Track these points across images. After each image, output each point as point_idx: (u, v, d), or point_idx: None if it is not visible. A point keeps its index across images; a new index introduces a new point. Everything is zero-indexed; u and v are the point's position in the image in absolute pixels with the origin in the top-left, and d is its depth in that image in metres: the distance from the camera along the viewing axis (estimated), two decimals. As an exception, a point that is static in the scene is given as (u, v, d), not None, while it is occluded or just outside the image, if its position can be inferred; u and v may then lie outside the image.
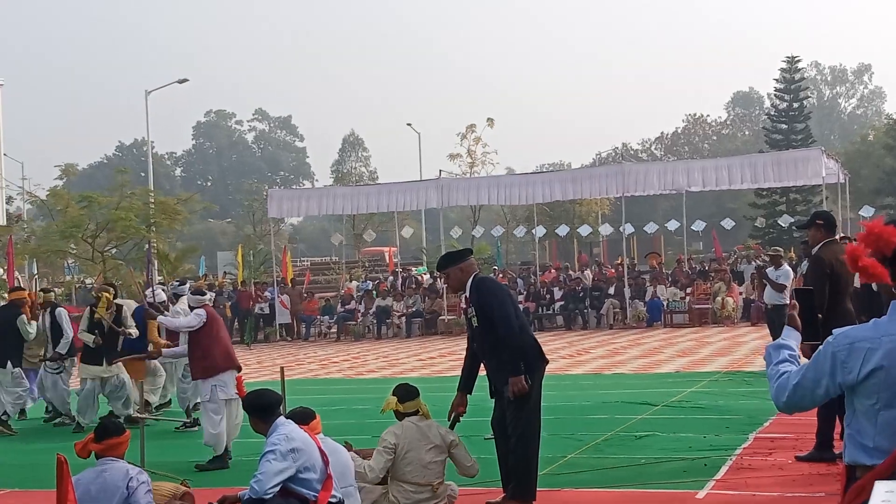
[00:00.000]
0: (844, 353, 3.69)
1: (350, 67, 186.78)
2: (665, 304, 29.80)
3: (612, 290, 30.87)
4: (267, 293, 33.90)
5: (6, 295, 19.66)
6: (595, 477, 9.43)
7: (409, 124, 61.64)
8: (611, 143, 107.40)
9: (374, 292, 33.48)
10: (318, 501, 6.70)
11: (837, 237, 9.98)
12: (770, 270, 17.47)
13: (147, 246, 31.86)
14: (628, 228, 33.78)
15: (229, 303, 33.55)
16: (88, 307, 15.21)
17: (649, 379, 17.40)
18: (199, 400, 14.43)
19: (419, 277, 37.69)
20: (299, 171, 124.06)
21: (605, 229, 40.38)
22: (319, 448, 6.84)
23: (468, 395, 8.60)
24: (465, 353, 8.88)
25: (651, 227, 38.56)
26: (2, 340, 15.05)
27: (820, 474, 8.81)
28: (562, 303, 31.12)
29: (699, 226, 36.77)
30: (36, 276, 40.89)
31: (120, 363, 14.31)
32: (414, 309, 32.01)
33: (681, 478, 9.14)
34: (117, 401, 14.59)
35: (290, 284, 35.45)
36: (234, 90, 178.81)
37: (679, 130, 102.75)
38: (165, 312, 13.90)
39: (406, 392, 7.93)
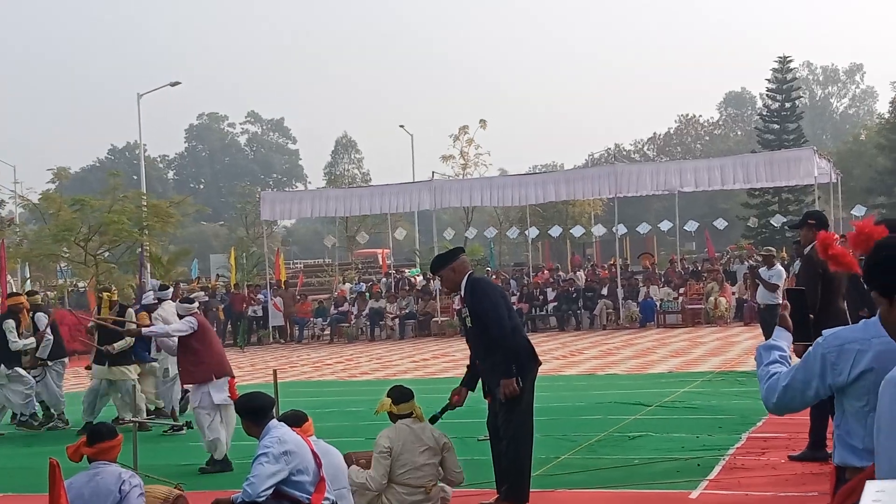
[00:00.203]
0: (834, 355, 3.68)
1: (342, 69, 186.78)
2: (658, 304, 29.84)
3: (605, 291, 30.90)
4: (260, 296, 33.88)
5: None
6: (588, 478, 9.43)
7: (401, 126, 61.61)
8: (603, 143, 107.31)
9: (368, 294, 33.47)
10: (312, 504, 6.70)
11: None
12: (763, 270, 17.48)
13: (140, 249, 31.88)
14: (621, 229, 33.82)
15: (222, 306, 33.54)
16: (95, 308, 15.29)
17: (642, 379, 17.41)
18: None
19: (412, 279, 37.68)
20: (292, 173, 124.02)
21: (598, 230, 40.40)
22: (312, 450, 6.84)
23: (469, 392, 8.60)
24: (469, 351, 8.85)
25: (644, 228, 38.62)
26: None
27: (813, 474, 8.82)
28: (555, 304, 31.13)
29: (692, 226, 36.84)
30: (28, 280, 40.78)
31: (125, 368, 14.26)
32: (407, 311, 32.01)
33: (674, 478, 9.14)
34: (124, 406, 14.47)
35: (283, 287, 35.43)
36: (226, 93, 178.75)
37: (671, 131, 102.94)
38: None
39: (400, 394, 7.92)
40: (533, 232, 37.81)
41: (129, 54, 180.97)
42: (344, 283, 38.05)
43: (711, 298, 28.94)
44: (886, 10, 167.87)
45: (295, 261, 65.13)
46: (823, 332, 3.79)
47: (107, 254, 33.53)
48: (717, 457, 9.92)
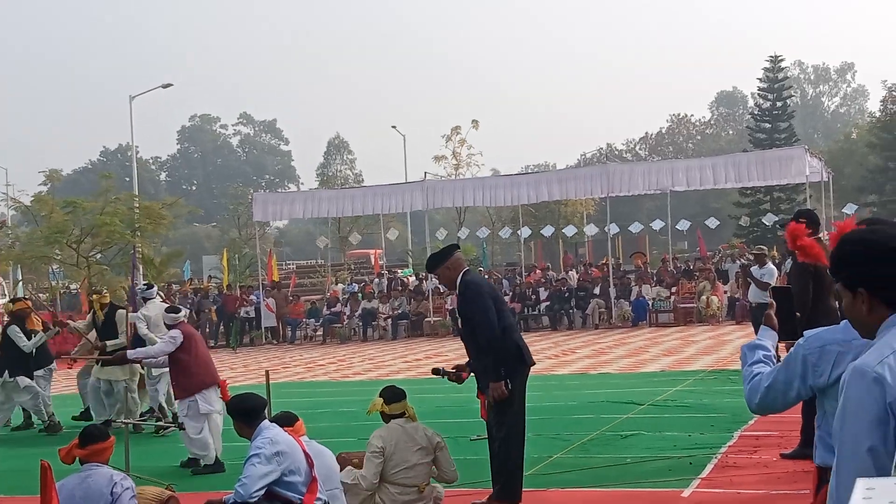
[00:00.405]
0: (815, 357, 3.69)
1: (334, 70, 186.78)
2: (650, 303, 29.86)
3: (597, 290, 30.91)
4: (252, 297, 33.84)
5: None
6: (581, 476, 9.44)
7: (393, 127, 61.68)
8: (595, 143, 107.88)
9: (360, 295, 33.45)
10: (304, 504, 6.70)
11: (821, 235, 10.01)
12: (754, 269, 17.51)
13: (132, 251, 31.83)
14: (613, 228, 33.83)
15: (215, 307, 33.50)
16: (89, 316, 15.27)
17: (635, 378, 17.42)
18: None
19: (405, 279, 37.68)
20: (284, 174, 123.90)
21: (591, 229, 40.41)
22: (304, 451, 6.84)
23: (469, 373, 8.63)
24: None
25: (636, 227, 38.65)
26: (4, 351, 15.07)
27: (805, 471, 8.82)
28: (547, 303, 31.13)
29: (684, 225, 36.85)
30: (21, 283, 40.71)
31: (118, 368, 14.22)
32: (400, 311, 32.00)
33: (666, 476, 9.15)
34: (112, 406, 14.45)
35: (275, 288, 35.38)
36: (218, 94, 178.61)
37: (663, 130, 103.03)
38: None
39: (393, 394, 7.92)
40: (525, 232, 37.83)
41: (121, 56, 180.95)
42: (336, 284, 38.02)
43: (703, 297, 28.97)
44: (877, 10, 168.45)
45: (287, 262, 65.13)
46: (805, 332, 3.80)
47: (99, 256, 33.50)
48: (710, 455, 9.93)
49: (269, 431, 6.79)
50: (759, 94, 62.54)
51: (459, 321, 8.47)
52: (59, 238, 32.25)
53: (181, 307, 12.74)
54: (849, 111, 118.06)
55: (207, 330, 32.94)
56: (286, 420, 7.25)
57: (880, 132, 59.50)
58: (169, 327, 11.91)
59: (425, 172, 48.96)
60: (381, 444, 7.66)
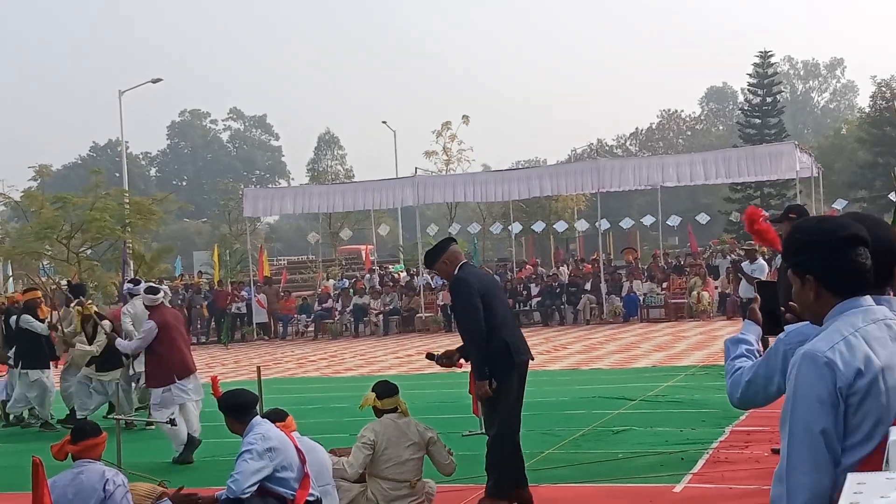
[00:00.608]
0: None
1: (325, 66, 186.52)
2: (641, 299, 29.91)
3: (588, 286, 30.95)
4: (243, 292, 33.80)
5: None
6: (573, 472, 9.46)
7: (384, 122, 61.63)
8: (586, 139, 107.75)
9: (351, 290, 33.44)
10: (296, 500, 6.70)
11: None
12: (745, 264, 17.56)
13: (122, 246, 31.77)
14: (604, 224, 33.84)
15: (206, 302, 33.45)
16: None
17: (626, 374, 17.46)
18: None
19: (396, 275, 37.67)
20: (275, 169, 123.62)
21: (581, 225, 40.45)
22: (296, 447, 6.84)
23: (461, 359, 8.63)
24: None
25: (627, 223, 38.65)
26: (18, 343, 15.09)
27: (796, 466, 8.85)
28: (539, 299, 31.16)
29: (674, 221, 36.88)
30: (11, 278, 40.60)
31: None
32: (391, 307, 32.00)
33: (658, 472, 9.17)
34: (98, 400, 14.49)
35: (266, 283, 35.33)
36: (208, 89, 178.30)
37: (653, 126, 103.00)
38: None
39: (385, 389, 7.92)
40: (516, 227, 37.81)
41: (110, 51, 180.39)
42: (328, 280, 37.97)
43: (694, 293, 29.03)
44: (866, 5, 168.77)
45: (278, 257, 65.01)
46: (786, 327, 3.81)
47: (89, 251, 33.45)
48: (701, 450, 9.96)
49: (261, 427, 6.79)
50: (748, 90, 62.57)
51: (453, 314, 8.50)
52: (49, 234, 32.21)
53: (160, 288, 12.72)
54: (838, 107, 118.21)
55: (199, 326, 32.92)
56: (276, 416, 7.25)
57: (870, 128, 59.61)
58: (148, 308, 11.97)
59: (416, 168, 49.01)
60: (372, 437, 7.67)
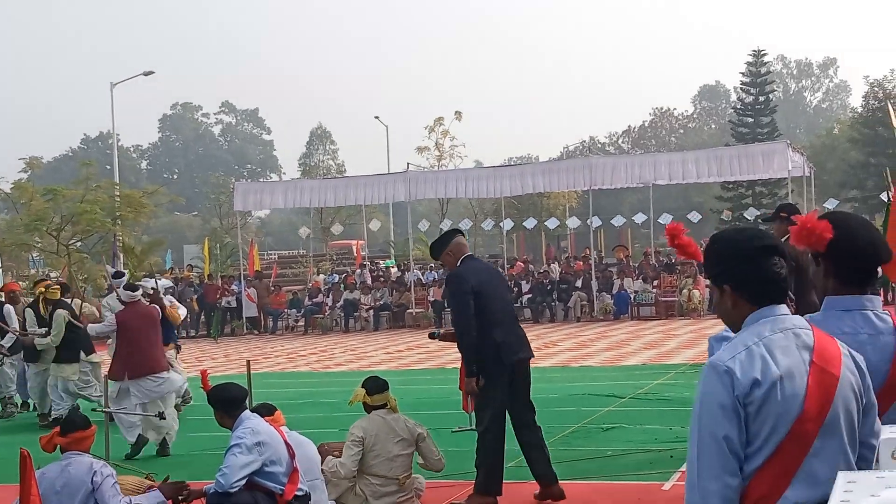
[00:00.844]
0: None
1: (317, 60, 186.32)
2: (632, 296, 29.95)
3: (579, 283, 30.96)
4: (234, 287, 33.74)
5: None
6: (562, 469, 9.43)
7: (376, 117, 61.61)
8: (578, 136, 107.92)
9: (342, 285, 33.40)
10: (285, 495, 6.69)
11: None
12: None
13: (113, 239, 31.68)
14: (595, 221, 33.87)
15: (196, 296, 33.39)
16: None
17: (616, 371, 17.47)
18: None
19: (387, 270, 37.64)
20: (266, 164, 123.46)
21: (573, 222, 40.43)
22: (285, 441, 6.83)
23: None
24: None
25: (618, 221, 38.66)
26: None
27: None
28: (529, 296, 31.15)
29: (666, 219, 36.77)
30: (0, 270, 40.47)
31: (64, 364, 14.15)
32: (382, 302, 31.98)
33: (647, 469, 9.18)
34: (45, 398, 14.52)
35: (256, 277, 35.28)
36: (200, 83, 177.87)
37: (646, 124, 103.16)
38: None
39: (375, 385, 7.92)
40: (508, 224, 37.80)
41: (102, 43, 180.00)
42: (318, 275, 37.96)
43: (685, 291, 29.07)
44: (860, 4, 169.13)
45: (269, 252, 64.96)
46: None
47: (79, 244, 33.31)
48: (690, 448, 9.94)
49: (251, 421, 6.78)
50: (741, 89, 62.61)
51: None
52: (39, 226, 32.06)
53: (139, 286, 12.70)
54: (831, 106, 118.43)
55: (188, 320, 32.85)
56: (264, 410, 7.24)
57: (862, 128, 59.66)
58: (123, 304, 12.01)
59: (408, 163, 48.99)
60: (361, 433, 7.66)
